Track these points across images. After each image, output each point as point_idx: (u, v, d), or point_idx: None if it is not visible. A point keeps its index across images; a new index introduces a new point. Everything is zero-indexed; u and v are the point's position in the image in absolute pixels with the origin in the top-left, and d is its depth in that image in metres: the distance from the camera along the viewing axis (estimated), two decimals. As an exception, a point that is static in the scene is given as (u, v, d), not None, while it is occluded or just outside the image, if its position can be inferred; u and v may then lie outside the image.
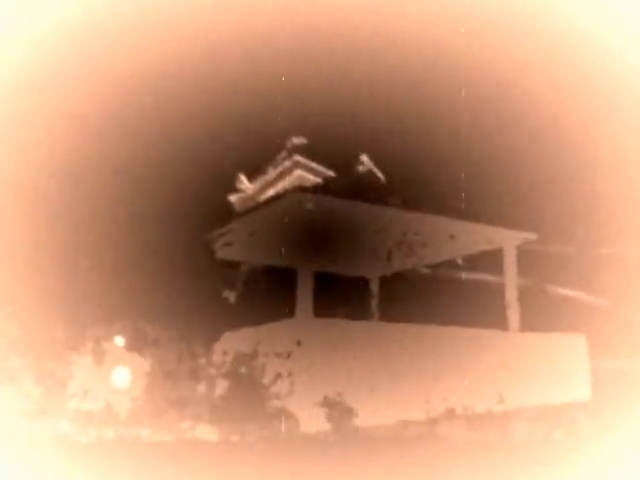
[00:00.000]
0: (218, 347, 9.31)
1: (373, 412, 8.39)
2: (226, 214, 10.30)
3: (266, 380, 8.45)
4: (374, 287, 13.32)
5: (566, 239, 13.55)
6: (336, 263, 12.13)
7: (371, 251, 11.74)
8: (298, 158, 9.65)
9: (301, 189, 8.53)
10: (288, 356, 8.17)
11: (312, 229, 9.00)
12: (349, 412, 8.15)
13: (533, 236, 11.26)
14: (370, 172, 11.00)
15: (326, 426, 7.97)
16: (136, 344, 8.52)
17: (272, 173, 9.96)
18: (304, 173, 9.34)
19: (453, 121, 15.39)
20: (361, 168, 10.70)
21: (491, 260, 11.73)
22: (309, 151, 10.13)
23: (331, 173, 9.16)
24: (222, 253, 10.29)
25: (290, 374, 8.10)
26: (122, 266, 8.98)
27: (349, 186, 9.26)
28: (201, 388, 8.82)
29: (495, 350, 10.12)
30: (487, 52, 14.96)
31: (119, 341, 8.59)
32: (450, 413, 8.85)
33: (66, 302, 8.72)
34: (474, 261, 12.40)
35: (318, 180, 9.26)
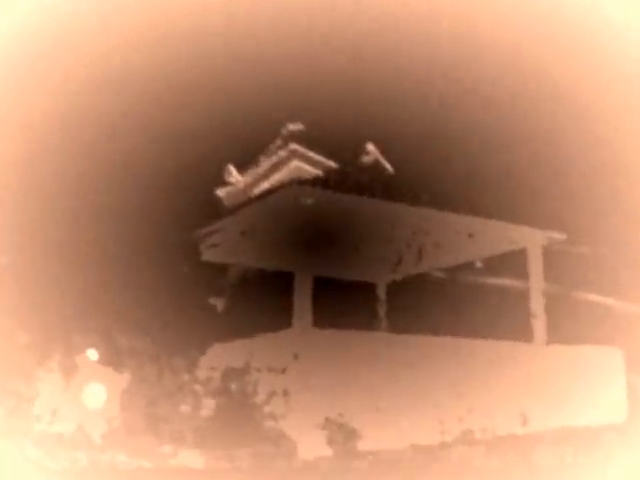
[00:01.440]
0: (204, 361, 9.15)
1: (379, 435, 8.21)
2: (213, 210, 10.22)
3: (259, 399, 8.27)
4: (381, 293, 13.10)
5: (598, 239, 13.37)
6: (338, 266, 11.95)
7: (378, 253, 11.57)
8: (295, 147, 9.46)
9: (299, 182, 8.36)
10: (283, 371, 8.01)
11: (312, 228, 8.80)
12: (352, 434, 8.01)
13: (561, 236, 11.07)
14: (377, 163, 10.81)
15: (327, 451, 7.82)
16: (111, 358, 8.36)
17: (265, 164, 9.79)
18: (302, 164, 9.16)
19: (466, 109, 15.45)
20: (366, 158, 10.54)
21: (514, 263, 11.55)
22: (307, 139, 9.96)
23: (332, 164, 8.95)
24: (209, 255, 10.13)
25: (286, 392, 7.92)
26: (95, 270, 8.85)
27: (353, 179, 9.10)
28: (185, 408, 8.64)
29: (518, 364, 9.96)
30: (502, 37, 15.09)
31: (92, 354, 8.44)
32: (467, 436, 8.65)
33: (31, 311, 8.60)
34: (495, 264, 12.23)
35: (318, 172, 9.06)
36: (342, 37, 15.31)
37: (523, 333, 10.74)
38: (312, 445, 7.80)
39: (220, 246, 10.36)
